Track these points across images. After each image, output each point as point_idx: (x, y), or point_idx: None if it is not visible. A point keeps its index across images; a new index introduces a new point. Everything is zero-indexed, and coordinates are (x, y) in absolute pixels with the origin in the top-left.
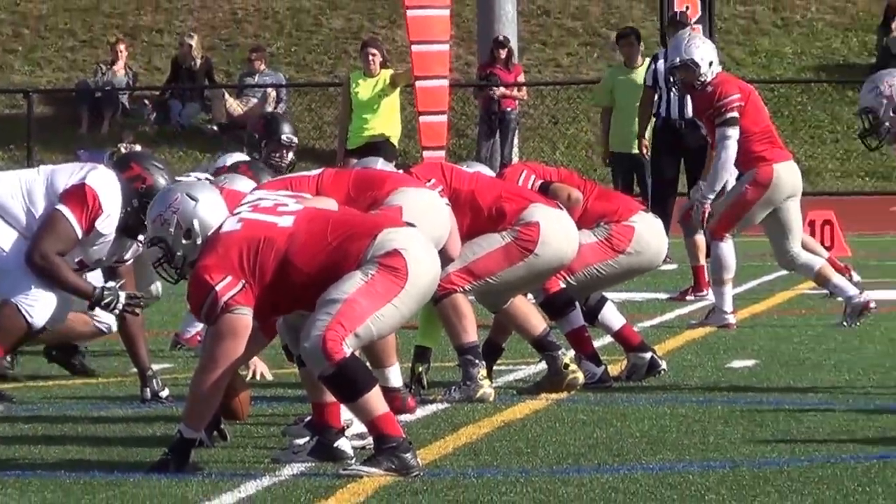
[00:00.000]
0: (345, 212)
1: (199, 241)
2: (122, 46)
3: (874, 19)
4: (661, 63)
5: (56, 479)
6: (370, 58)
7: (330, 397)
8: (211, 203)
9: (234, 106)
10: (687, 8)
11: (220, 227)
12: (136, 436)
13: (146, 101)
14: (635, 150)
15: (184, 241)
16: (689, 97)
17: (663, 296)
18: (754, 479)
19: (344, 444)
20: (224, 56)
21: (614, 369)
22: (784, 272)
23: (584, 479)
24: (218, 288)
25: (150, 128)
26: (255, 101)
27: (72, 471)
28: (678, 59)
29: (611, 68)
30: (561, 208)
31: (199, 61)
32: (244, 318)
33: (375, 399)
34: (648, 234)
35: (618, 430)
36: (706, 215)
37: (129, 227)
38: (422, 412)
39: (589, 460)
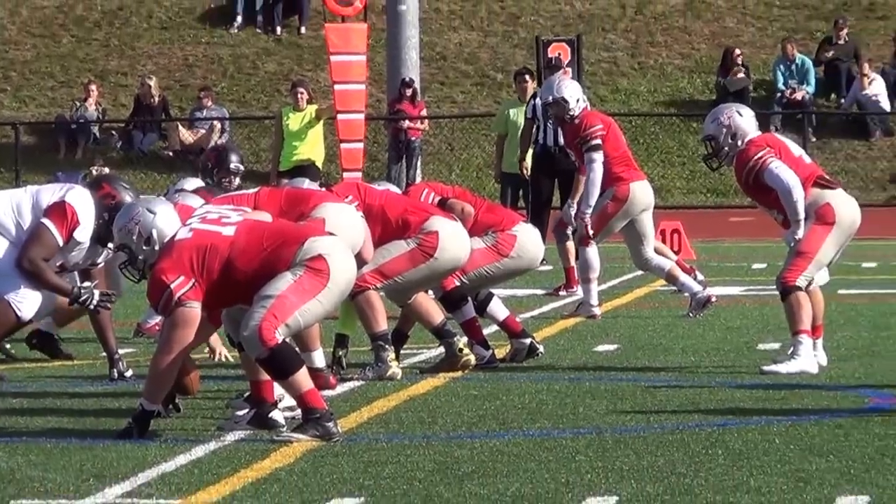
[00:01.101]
0: (278, 223)
1: (156, 248)
2: (93, 86)
3: (714, 63)
4: (539, 99)
5: (39, 444)
6: (299, 95)
7: (265, 376)
8: (166, 216)
9: (186, 135)
10: (559, 54)
11: (174, 236)
12: (104, 408)
13: (113, 132)
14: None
15: (144, 248)
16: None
17: (540, 292)
18: (616, 443)
19: (277, 415)
20: (178, 94)
21: (500, 352)
22: (640, 272)
23: (476, 443)
24: (172, 286)
25: (116, 154)
26: (203, 131)
27: (51, 437)
28: (550, 98)
29: (506, 102)
30: (456, 220)
31: (157, 98)
32: (194, 310)
33: (303, 377)
34: (528, 241)
35: (503, 402)
36: (588, 226)
37: (100, 237)
38: (341, 388)
39: (479, 428)
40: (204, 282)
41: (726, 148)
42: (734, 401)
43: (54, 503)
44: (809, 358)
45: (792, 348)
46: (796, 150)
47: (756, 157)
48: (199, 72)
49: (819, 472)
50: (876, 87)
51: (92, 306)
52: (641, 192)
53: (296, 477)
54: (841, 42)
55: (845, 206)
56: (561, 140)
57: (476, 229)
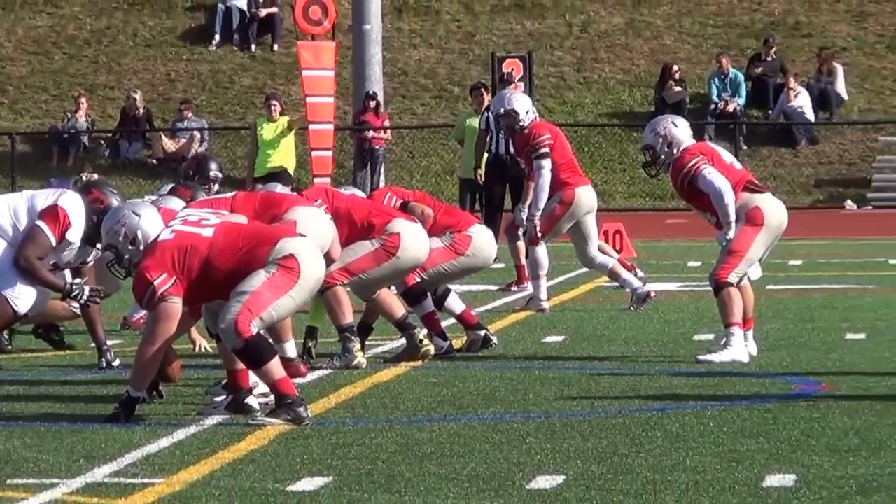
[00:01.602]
0: (253, 225)
1: (141, 247)
2: (83, 99)
3: (653, 78)
4: (492, 111)
5: (33, 428)
6: (272, 107)
7: (240, 365)
8: (150, 218)
9: (169, 144)
10: (512, 70)
11: (157, 237)
12: (94, 395)
13: (101, 141)
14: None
15: (130, 248)
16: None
17: (494, 287)
18: (563, 426)
19: (252, 401)
20: (160, 106)
21: (457, 343)
22: (585, 269)
23: (434, 426)
24: (156, 283)
25: (104, 161)
26: (184, 141)
27: (45, 421)
28: (502, 109)
29: (463, 113)
30: (416, 222)
31: (141, 110)
32: (175, 305)
33: (275, 366)
34: (482, 240)
35: (460, 389)
36: (537, 227)
37: (90, 238)
38: (311, 376)
39: (438, 412)
40: (185, 279)
41: (663, 156)
42: (671, 387)
43: (48, 482)
44: (741, 348)
45: (725, 339)
46: (727, 157)
47: (690, 164)
48: (180, 86)
49: (749, 452)
50: (801, 100)
51: (82, 301)
52: (586, 196)
53: (269, 458)
54: (770, 59)
55: (773, 208)
56: (512, 149)
57: (435, 230)
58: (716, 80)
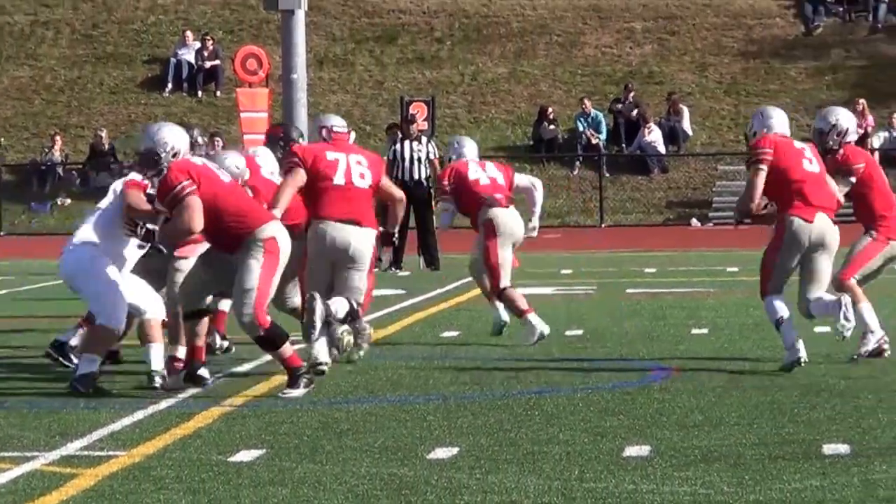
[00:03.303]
0: (253, 200)
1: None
2: (58, 137)
3: (531, 117)
4: (398, 144)
5: (15, 410)
6: (216, 143)
7: (198, 343)
8: (181, 140)
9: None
10: (417, 112)
11: (190, 160)
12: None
13: (73, 172)
14: None
15: (171, 158)
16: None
17: (402, 292)
18: (458, 406)
19: (203, 372)
20: (123, 143)
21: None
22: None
23: (350, 407)
24: (184, 183)
25: (76, 189)
26: None
27: (26, 404)
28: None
29: (380, 147)
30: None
31: (107, 146)
32: (198, 200)
33: (287, 348)
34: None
35: (371, 376)
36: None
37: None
38: (247, 366)
39: (354, 395)
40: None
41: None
42: (547, 374)
43: (29, 455)
44: (540, 324)
45: (525, 325)
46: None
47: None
48: (139, 126)
49: (612, 428)
50: (654, 136)
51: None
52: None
53: (213, 434)
54: (628, 102)
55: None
56: (416, 174)
57: None
58: (581, 119)
